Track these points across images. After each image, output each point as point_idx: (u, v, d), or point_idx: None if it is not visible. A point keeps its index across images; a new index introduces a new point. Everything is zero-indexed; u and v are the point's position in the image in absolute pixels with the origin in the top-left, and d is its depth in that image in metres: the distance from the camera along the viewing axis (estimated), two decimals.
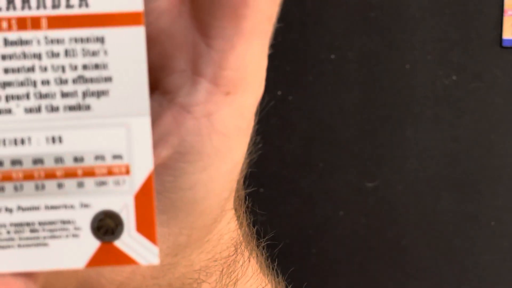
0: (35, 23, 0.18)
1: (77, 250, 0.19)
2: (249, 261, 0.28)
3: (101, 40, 0.18)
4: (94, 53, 0.18)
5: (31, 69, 0.18)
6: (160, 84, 0.20)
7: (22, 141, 0.18)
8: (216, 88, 0.20)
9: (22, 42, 0.18)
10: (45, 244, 0.19)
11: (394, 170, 0.84)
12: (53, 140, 0.19)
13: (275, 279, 0.32)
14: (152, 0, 0.20)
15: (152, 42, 0.20)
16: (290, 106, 0.83)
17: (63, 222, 0.19)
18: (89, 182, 0.19)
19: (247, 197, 0.27)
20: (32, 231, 0.19)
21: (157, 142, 0.20)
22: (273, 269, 0.32)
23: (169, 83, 0.20)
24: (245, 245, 0.28)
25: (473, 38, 0.82)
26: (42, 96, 0.18)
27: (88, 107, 0.19)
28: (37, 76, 0.18)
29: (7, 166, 0.18)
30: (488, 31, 0.82)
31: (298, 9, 0.83)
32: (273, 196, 0.85)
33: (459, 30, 0.82)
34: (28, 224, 0.19)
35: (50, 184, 0.19)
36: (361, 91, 0.83)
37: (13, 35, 0.18)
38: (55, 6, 0.18)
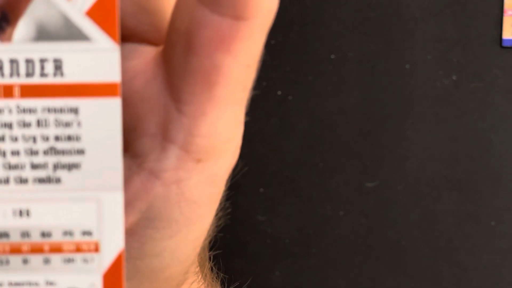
0: (7, 91, 0.18)
1: None
2: None
3: (75, 111, 0.18)
4: (67, 124, 0.18)
5: (1, 139, 0.18)
6: (130, 147, 0.20)
7: None
8: (187, 155, 0.19)
9: None
10: None
11: (394, 170, 0.84)
12: (21, 213, 0.18)
13: None
14: (128, 60, 0.19)
15: (124, 103, 0.19)
16: (290, 106, 0.83)
17: None
18: (56, 258, 0.18)
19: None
20: None
21: (125, 207, 0.19)
22: None
23: (139, 147, 0.19)
24: None
25: (473, 38, 0.82)
26: (11, 167, 0.18)
27: (58, 180, 0.18)
28: (7, 146, 0.18)
29: None
30: (488, 31, 0.82)
31: (298, 9, 0.83)
32: (273, 196, 0.85)
33: (459, 30, 0.82)
34: None
35: (15, 259, 0.18)
36: (361, 91, 0.83)
37: None
38: (29, 74, 0.17)
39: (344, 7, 0.82)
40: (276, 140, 0.84)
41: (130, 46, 0.20)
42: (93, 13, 0.17)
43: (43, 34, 0.17)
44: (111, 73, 0.18)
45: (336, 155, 0.84)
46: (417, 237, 0.85)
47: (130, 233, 0.20)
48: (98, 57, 0.18)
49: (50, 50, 0.17)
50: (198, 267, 0.25)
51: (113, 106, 0.18)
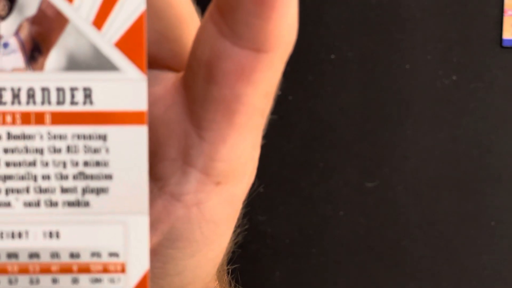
0: (39, 118, 0.18)
1: None
2: None
3: (103, 137, 0.18)
4: (95, 150, 0.18)
5: (33, 164, 0.18)
6: (151, 170, 0.20)
7: (20, 235, 0.19)
8: (207, 178, 0.20)
9: (25, 137, 0.18)
10: None
11: (394, 170, 0.84)
12: (50, 235, 0.19)
13: None
14: (149, 86, 0.20)
15: None
16: (290, 106, 0.83)
17: None
18: (84, 278, 0.19)
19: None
20: None
21: None
22: None
23: (160, 171, 0.20)
24: None
25: (473, 38, 0.82)
26: (42, 190, 0.18)
27: (87, 204, 0.19)
28: (38, 170, 0.18)
29: (3, 258, 0.19)
30: (488, 31, 0.82)
31: (298, 9, 0.83)
32: (273, 196, 0.85)
33: (459, 30, 0.82)
34: None
35: (45, 278, 0.19)
36: (361, 91, 0.83)
37: (16, 129, 0.18)
38: (59, 102, 0.18)
39: (344, 7, 0.82)
40: (276, 140, 0.84)
41: (151, 73, 0.20)
42: (122, 44, 0.18)
43: (73, 64, 0.18)
44: (139, 102, 0.18)
45: (336, 155, 0.85)
46: (417, 237, 0.85)
47: (153, 253, 0.20)
48: (126, 87, 0.18)
49: (80, 79, 0.18)
50: (217, 281, 0.26)
51: (140, 134, 0.18)
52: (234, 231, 0.22)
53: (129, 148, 0.18)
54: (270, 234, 0.85)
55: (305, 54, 0.83)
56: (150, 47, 0.20)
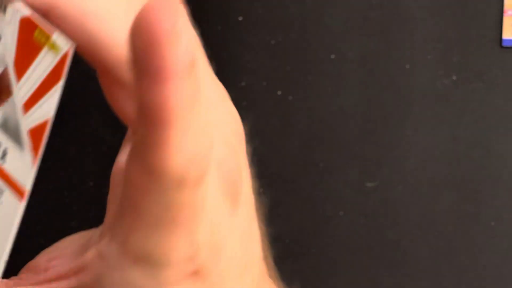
0: None
1: None
2: None
3: (1, 192, 0.22)
4: None
5: None
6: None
7: None
8: (124, 252, 0.24)
9: None
10: None
11: (394, 170, 0.84)
12: None
13: None
14: (121, 155, 0.24)
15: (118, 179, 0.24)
16: (290, 106, 0.83)
17: None
18: None
19: None
20: None
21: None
22: None
23: (106, 221, 0.24)
24: None
25: (473, 38, 0.82)
26: None
27: None
28: None
29: None
30: (488, 31, 0.82)
31: (298, 9, 0.83)
32: (273, 196, 0.85)
33: (459, 30, 0.82)
34: None
35: None
36: (361, 91, 0.83)
37: None
38: None
39: (344, 7, 0.82)
40: (276, 140, 0.84)
41: None
42: (32, 133, 0.22)
43: (5, 126, 0.22)
44: (25, 182, 0.22)
45: (336, 155, 0.85)
46: (417, 237, 0.85)
47: None
48: (22, 165, 0.22)
49: (5, 139, 0.22)
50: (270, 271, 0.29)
51: (17, 208, 0.22)
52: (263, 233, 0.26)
53: (8, 212, 0.22)
54: (270, 234, 0.85)
55: (305, 54, 0.83)
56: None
